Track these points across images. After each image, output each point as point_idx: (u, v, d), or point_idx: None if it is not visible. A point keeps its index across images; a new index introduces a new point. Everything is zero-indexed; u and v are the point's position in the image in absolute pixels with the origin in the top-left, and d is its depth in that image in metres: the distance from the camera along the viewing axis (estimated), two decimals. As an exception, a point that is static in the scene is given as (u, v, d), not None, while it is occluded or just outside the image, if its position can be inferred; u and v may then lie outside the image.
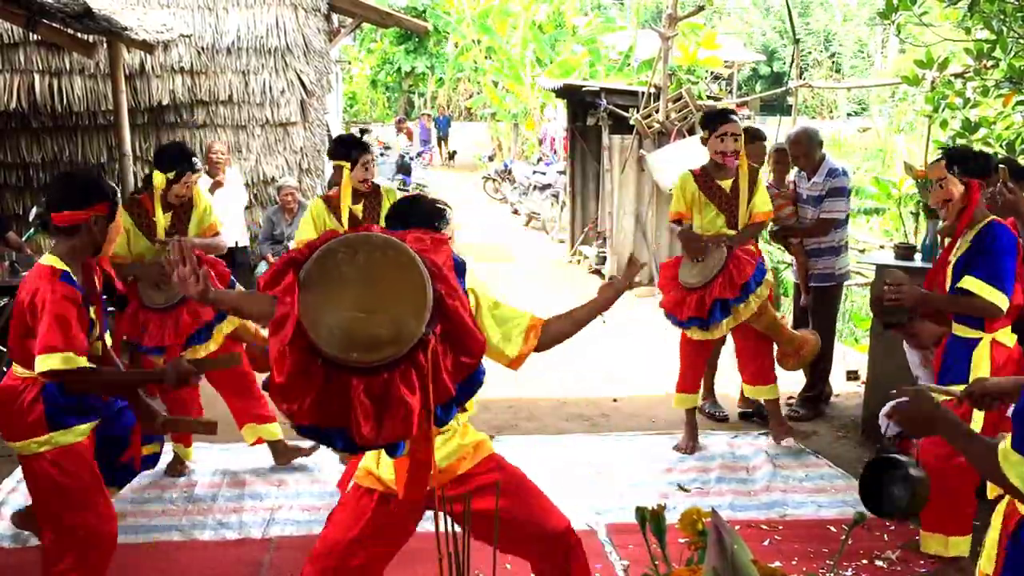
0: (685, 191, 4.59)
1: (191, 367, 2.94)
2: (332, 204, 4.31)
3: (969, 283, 3.14)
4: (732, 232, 4.53)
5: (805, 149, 5.14)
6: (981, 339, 3.24)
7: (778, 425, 4.77)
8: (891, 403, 1.93)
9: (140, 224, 4.10)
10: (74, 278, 2.83)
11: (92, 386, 2.86)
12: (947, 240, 3.46)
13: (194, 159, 4.17)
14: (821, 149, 5.19)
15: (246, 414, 4.35)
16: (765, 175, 5.25)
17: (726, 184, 4.53)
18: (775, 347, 4.71)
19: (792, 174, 5.42)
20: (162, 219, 4.13)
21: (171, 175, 4.06)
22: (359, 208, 4.29)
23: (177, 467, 4.40)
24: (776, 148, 5.64)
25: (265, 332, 4.46)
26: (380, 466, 2.46)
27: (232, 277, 4.31)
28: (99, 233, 2.90)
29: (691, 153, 6.93)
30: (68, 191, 2.90)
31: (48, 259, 2.84)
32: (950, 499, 3.18)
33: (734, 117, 4.49)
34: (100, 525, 2.82)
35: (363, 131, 6.14)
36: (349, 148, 4.27)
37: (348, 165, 4.21)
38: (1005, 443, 1.74)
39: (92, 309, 2.92)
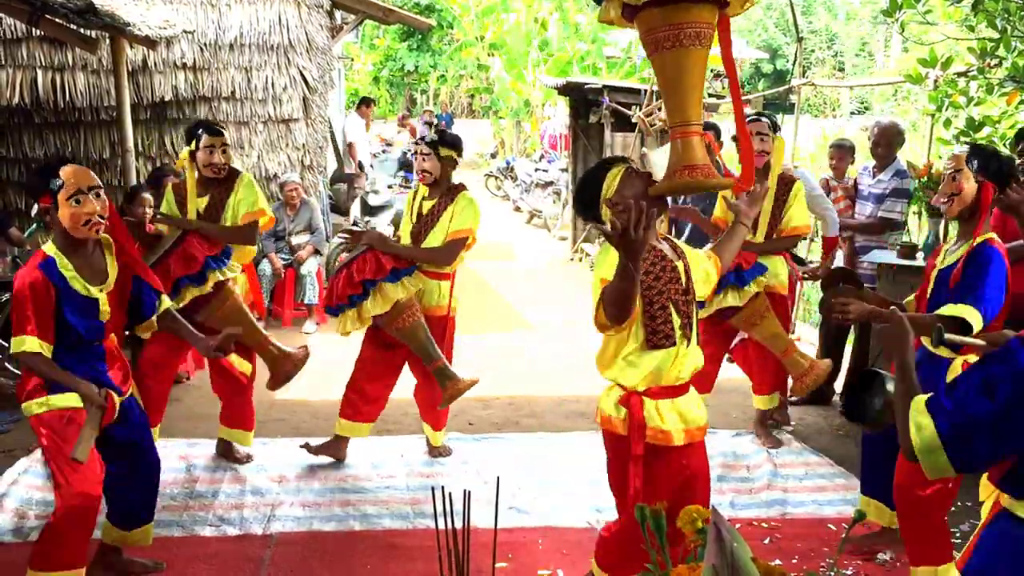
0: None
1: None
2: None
3: (951, 309, 2.94)
4: (757, 240, 4.35)
5: (889, 140, 5.14)
6: (954, 360, 3.07)
7: (762, 434, 4.78)
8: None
9: (179, 206, 4.23)
10: (59, 264, 2.96)
11: (36, 372, 2.99)
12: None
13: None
14: (900, 148, 5.16)
15: (227, 417, 4.40)
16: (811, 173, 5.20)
17: None
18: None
19: (857, 170, 5.42)
20: (195, 202, 4.22)
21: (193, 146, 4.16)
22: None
23: (234, 454, 4.42)
24: (837, 143, 5.66)
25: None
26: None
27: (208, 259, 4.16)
28: (52, 223, 3.00)
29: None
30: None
31: (46, 245, 3.03)
32: (930, 530, 3.10)
33: (761, 118, 4.30)
34: (85, 486, 2.94)
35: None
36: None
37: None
38: (925, 396, 1.76)
39: (100, 290, 3.03)
